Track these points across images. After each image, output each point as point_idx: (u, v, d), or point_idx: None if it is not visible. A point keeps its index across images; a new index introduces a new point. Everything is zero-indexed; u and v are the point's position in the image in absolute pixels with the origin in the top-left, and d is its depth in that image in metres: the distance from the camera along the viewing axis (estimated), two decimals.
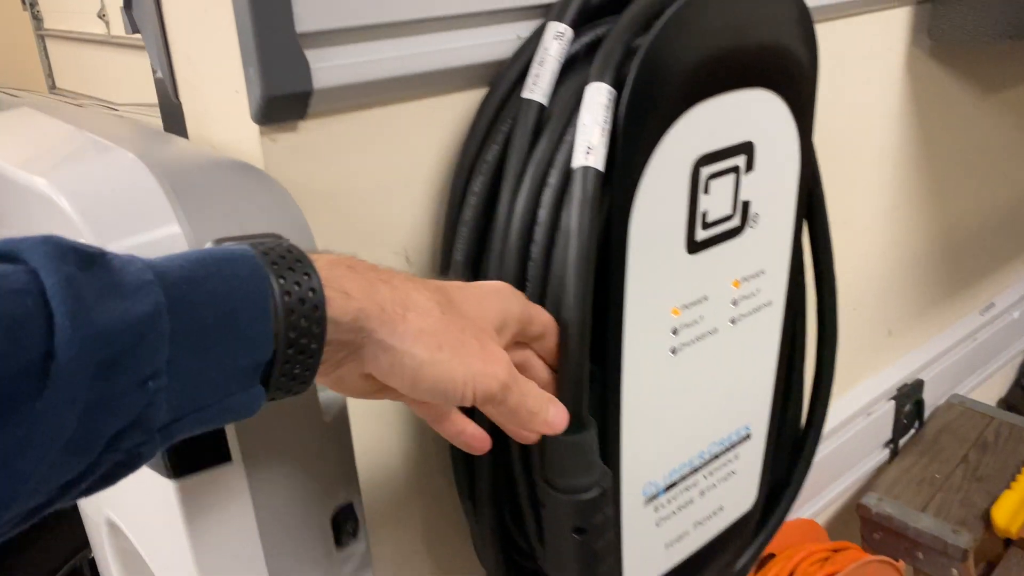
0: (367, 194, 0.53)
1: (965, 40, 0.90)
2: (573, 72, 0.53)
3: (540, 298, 0.49)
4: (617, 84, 0.48)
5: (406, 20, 0.50)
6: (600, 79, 0.47)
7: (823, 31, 0.83)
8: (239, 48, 0.46)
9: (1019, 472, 1.05)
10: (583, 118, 0.46)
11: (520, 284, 0.50)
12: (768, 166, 0.57)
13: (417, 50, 0.51)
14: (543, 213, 0.49)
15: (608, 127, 0.47)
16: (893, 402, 1.12)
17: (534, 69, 0.51)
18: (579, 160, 0.46)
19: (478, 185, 0.52)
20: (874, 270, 1.04)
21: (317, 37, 0.47)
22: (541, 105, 0.51)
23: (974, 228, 1.21)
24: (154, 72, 0.60)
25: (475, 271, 0.52)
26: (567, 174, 0.49)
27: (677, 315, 0.55)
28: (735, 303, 0.59)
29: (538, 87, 0.51)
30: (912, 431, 1.17)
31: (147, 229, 0.37)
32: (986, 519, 0.98)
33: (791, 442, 0.73)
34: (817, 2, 0.78)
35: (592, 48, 0.54)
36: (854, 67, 0.89)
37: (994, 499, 1.01)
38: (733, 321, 0.60)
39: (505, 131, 0.52)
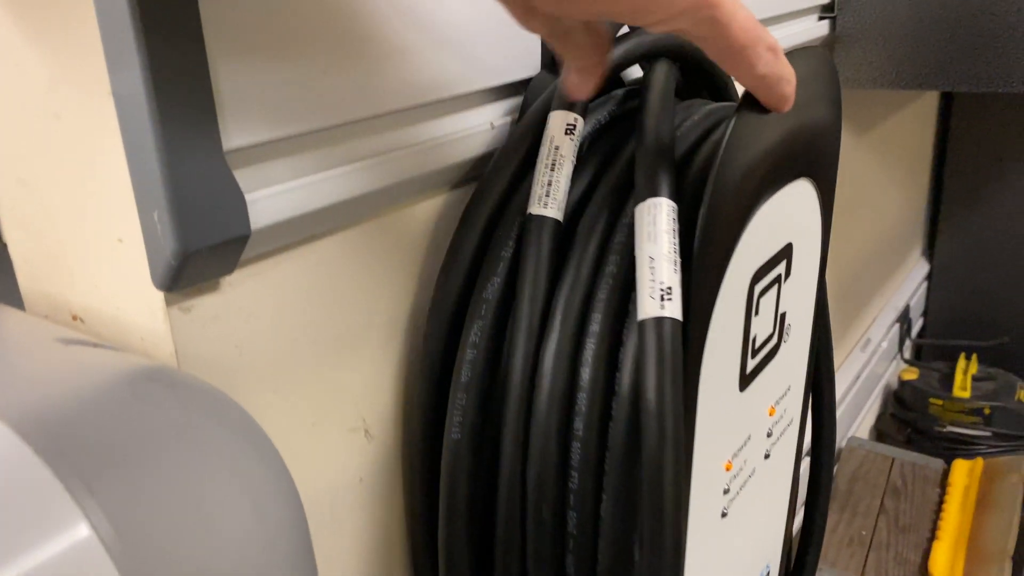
0: (314, 356, 0.37)
1: (868, 87, 0.87)
2: (581, 171, 0.40)
3: (595, 492, 0.36)
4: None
5: (353, 120, 0.35)
6: (657, 193, 0.35)
7: None
8: (130, 177, 0.29)
9: (939, 517, 1.04)
10: (647, 249, 0.34)
11: (561, 473, 0.36)
12: (800, 268, 0.47)
13: (364, 160, 0.36)
14: (587, 373, 0.35)
15: (679, 258, 0.34)
16: (807, 458, 1.07)
17: (543, 175, 0.37)
18: (651, 308, 0.33)
19: (477, 334, 0.37)
20: None
21: (251, 153, 0.31)
22: (557, 222, 0.37)
23: (854, 266, 1.20)
24: None
25: (478, 456, 0.38)
26: (616, 318, 0.36)
27: (729, 470, 0.43)
28: (770, 433, 0.49)
29: (552, 199, 0.37)
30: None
31: (36, 544, 0.20)
32: (924, 574, 0.95)
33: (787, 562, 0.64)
34: None
35: (597, 137, 0.41)
36: None
37: (924, 551, 0.98)
38: (767, 455, 0.49)
39: (507, 258, 0.38)
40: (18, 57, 0.31)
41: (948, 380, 1.41)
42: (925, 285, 1.61)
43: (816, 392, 0.60)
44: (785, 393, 0.50)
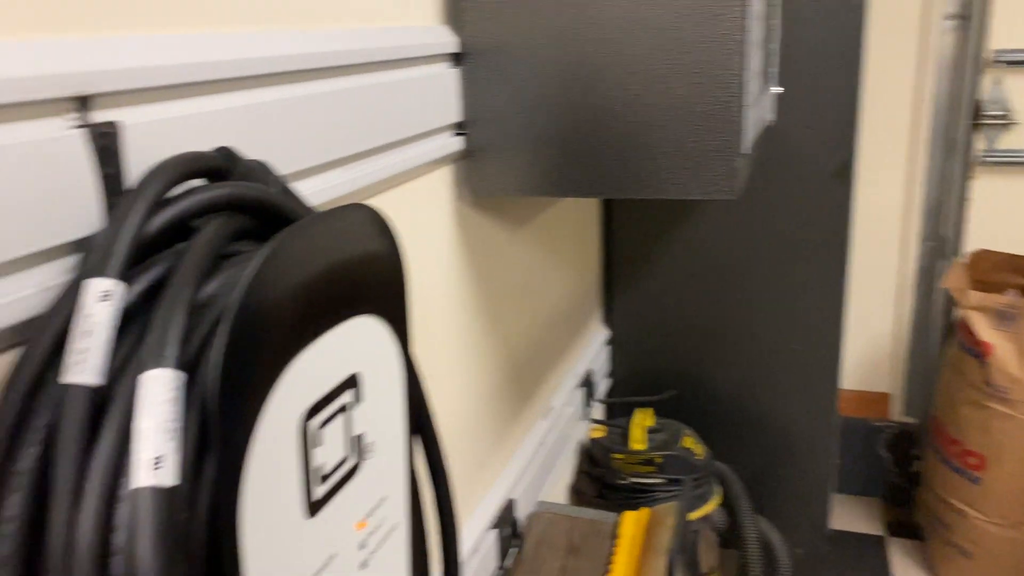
0: None
1: (499, 194, 0.97)
2: (131, 328, 0.42)
3: None
4: (186, 359, 0.39)
5: None
6: (159, 364, 0.37)
7: (383, 201, 0.83)
8: None
9: (608, 569, 1.14)
10: (142, 423, 0.36)
11: None
12: (376, 390, 0.52)
13: None
14: (122, 538, 0.37)
15: (179, 424, 0.37)
16: (496, 530, 1.14)
17: (77, 342, 0.39)
18: (141, 478, 0.35)
19: (15, 506, 0.38)
20: (460, 412, 1.06)
21: None
22: (93, 389, 0.39)
23: (526, 345, 1.31)
24: None
25: None
26: None
27: None
28: (363, 545, 0.52)
29: (86, 365, 0.39)
30: (513, 549, 1.21)
31: None
32: None
33: None
34: (377, 176, 0.77)
35: (151, 295, 0.44)
36: (416, 228, 0.90)
37: None
38: (364, 564, 0.53)
39: (44, 426, 0.39)
40: None
41: (627, 435, 1.57)
42: (608, 350, 1.79)
43: (435, 488, 0.65)
44: (378, 504, 0.54)
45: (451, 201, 0.98)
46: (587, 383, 1.61)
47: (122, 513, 0.37)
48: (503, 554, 1.17)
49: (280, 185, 0.55)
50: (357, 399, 0.50)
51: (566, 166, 0.93)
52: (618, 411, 1.80)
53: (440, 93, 0.91)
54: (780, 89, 1.55)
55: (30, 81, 0.42)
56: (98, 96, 0.46)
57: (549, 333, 1.43)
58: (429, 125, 0.89)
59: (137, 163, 0.48)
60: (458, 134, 0.96)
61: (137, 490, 0.35)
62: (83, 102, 0.46)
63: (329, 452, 0.47)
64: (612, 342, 1.79)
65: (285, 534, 0.44)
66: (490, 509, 1.15)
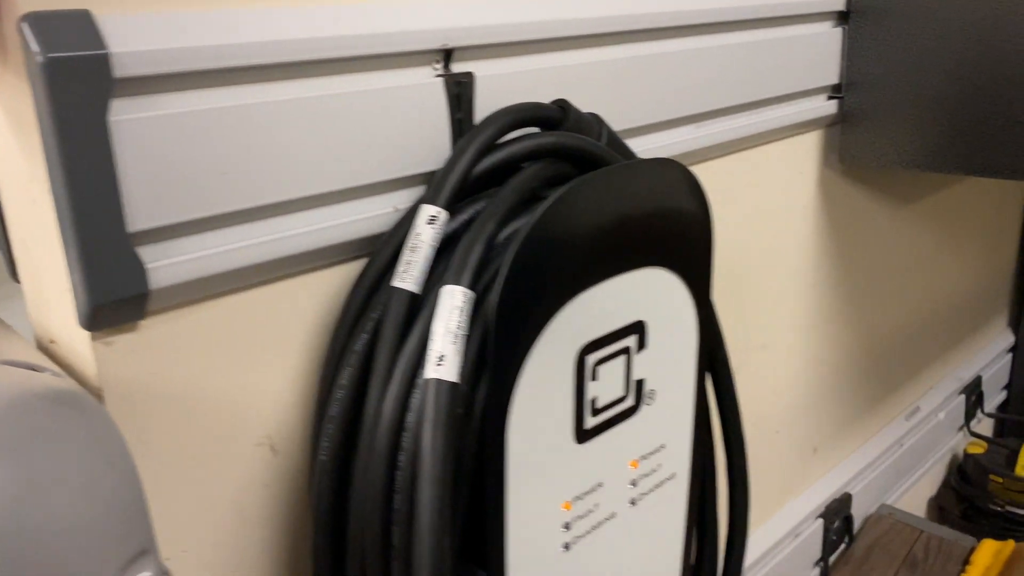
0: (224, 385, 0.48)
1: (874, 166, 0.90)
2: (450, 253, 0.49)
3: (409, 510, 0.45)
4: (478, 281, 0.44)
5: (259, 206, 0.46)
6: (456, 281, 0.44)
7: (738, 160, 0.82)
8: (62, 251, 0.41)
9: None
10: (435, 325, 0.43)
11: (387, 495, 0.45)
12: (663, 341, 0.54)
13: (274, 234, 0.47)
14: (412, 418, 0.45)
15: (463, 332, 0.43)
16: (821, 520, 1.09)
17: (405, 255, 0.47)
18: (429, 371, 0.42)
19: (346, 377, 0.47)
20: (797, 390, 1.02)
21: (154, 233, 0.43)
22: (412, 294, 0.47)
23: (894, 335, 1.20)
24: None
25: (343, 473, 0.48)
26: None
27: (568, 509, 0.51)
28: (634, 483, 0.55)
29: (409, 275, 0.47)
30: (842, 547, 1.14)
31: None
32: None
33: None
34: (734, 134, 0.77)
35: (470, 226, 0.50)
36: (770, 192, 0.87)
37: None
38: (633, 502, 0.55)
39: (375, 318, 0.48)
40: (15, 156, 0.44)
41: (1014, 457, 1.36)
42: (1009, 357, 1.55)
43: (728, 453, 0.65)
44: (656, 450, 0.56)
45: (816, 168, 0.94)
46: (974, 391, 1.42)
47: (415, 398, 0.45)
48: (827, 547, 1.11)
49: (611, 138, 0.58)
50: (641, 346, 0.52)
51: (963, 140, 0.82)
52: (1009, 429, 1.56)
53: (817, 53, 0.87)
54: None
55: (407, 35, 0.51)
56: (458, 49, 0.54)
57: (930, 327, 1.29)
58: (800, 86, 0.85)
59: (484, 110, 0.55)
60: (831, 97, 0.90)
61: (427, 380, 0.42)
62: (447, 54, 0.54)
63: (605, 388, 0.51)
64: (1016, 350, 1.55)
65: (551, 451, 0.48)
66: (819, 496, 1.09)
